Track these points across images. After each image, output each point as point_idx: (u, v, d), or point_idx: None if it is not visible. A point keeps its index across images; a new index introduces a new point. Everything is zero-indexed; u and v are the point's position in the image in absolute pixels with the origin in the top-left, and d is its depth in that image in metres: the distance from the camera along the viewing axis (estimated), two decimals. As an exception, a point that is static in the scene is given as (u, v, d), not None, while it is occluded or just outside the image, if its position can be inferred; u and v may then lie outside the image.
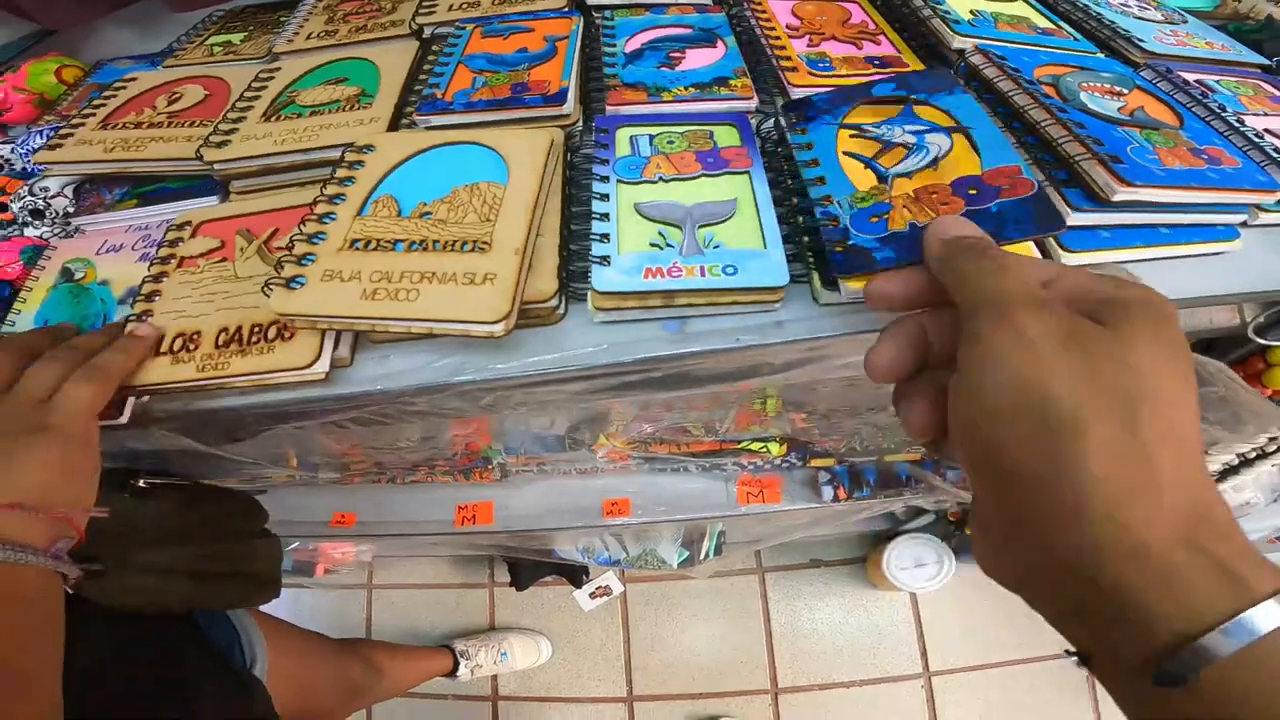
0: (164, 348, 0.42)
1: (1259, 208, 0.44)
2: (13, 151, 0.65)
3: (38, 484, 0.35)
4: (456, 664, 1.48)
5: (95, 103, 0.59)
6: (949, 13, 0.57)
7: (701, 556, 1.33)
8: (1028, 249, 0.40)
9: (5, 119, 0.73)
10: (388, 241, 0.41)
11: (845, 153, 0.47)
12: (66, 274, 0.51)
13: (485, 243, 0.40)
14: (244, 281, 0.45)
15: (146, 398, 0.42)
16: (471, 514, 1.04)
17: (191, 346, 0.42)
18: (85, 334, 0.45)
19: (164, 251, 0.47)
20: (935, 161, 0.44)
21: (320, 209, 0.43)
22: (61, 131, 0.56)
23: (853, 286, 0.39)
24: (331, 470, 0.84)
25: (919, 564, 1.37)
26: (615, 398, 0.48)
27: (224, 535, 0.55)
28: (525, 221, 0.42)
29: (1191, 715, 0.22)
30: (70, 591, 0.40)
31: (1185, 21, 0.63)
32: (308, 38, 0.65)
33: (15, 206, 0.57)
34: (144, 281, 0.46)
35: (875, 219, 0.42)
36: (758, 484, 1.07)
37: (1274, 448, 0.62)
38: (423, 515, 1.04)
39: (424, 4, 0.65)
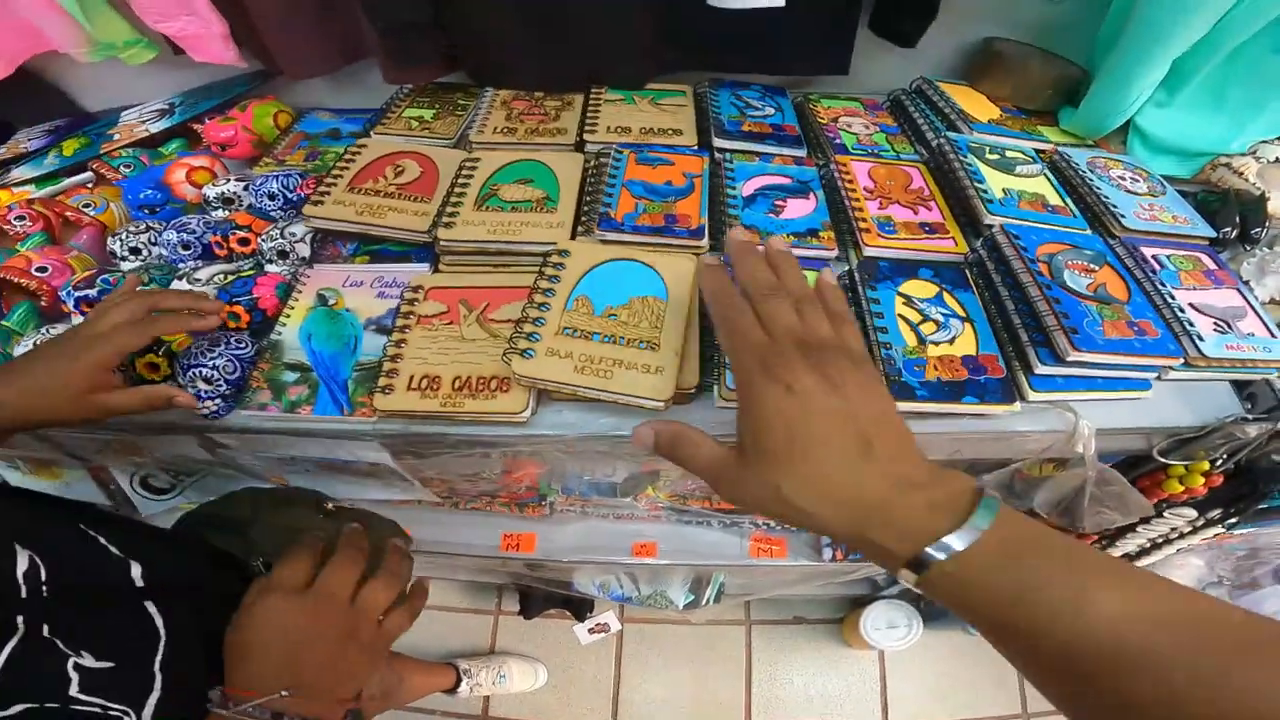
0: (413, 385, 0.62)
1: (1168, 368, 0.66)
2: (246, 189, 0.84)
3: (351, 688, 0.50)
4: (458, 681, 1.65)
5: (340, 165, 0.79)
6: (986, 191, 0.78)
7: (704, 601, 1.51)
8: (990, 407, 0.62)
9: (228, 154, 0.94)
10: (588, 333, 0.61)
11: (900, 315, 0.67)
12: (322, 299, 0.70)
13: (655, 344, 0.61)
14: (469, 342, 0.65)
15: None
16: (516, 542, 1.22)
17: (434, 388, 0.62)
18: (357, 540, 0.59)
19: (405, 309, 0.67)
20: (953, 339, 0.67)
21: (538, 299, 0.63)
22: (320, 190, 0.76)
23: (903, 404, 0.61)
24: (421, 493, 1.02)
25: (891, 626, 1.57)
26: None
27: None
28: (681, 330, 0.62)
29: (945, 590, 0.36)
30: None
31: (1164, 193, 0.84)
32: (494, 131, 0.86)
33: (266, 246, 0.76)
34: (394, 329, 0.66)
35: (918, 368, 0.63)
36: (768, 541, 1.26)
37: (1175, 534, 0.84)
38: (472, 539, 1.21)
39: (587, 124, 0.86)
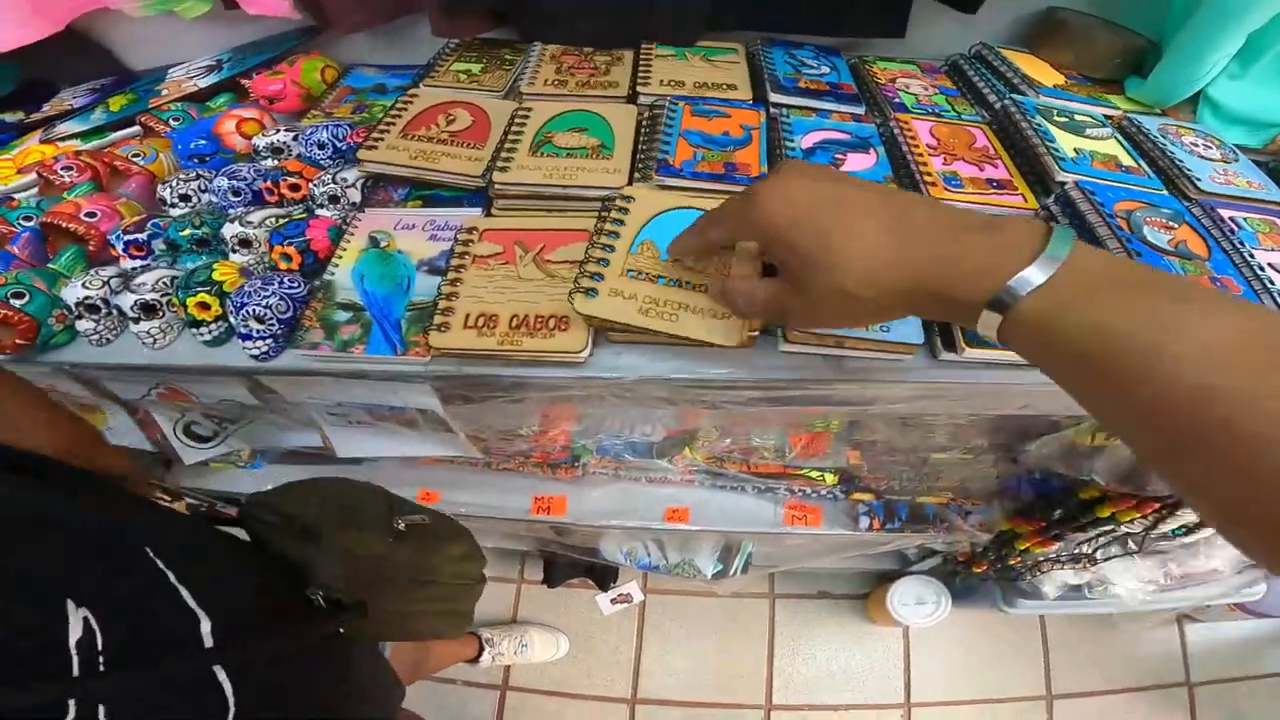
0: (470, 323, 0.58)
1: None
2: (295, 139, 0.81)
3: None
4: (481, 650, 1.61)
5: (392, 114, 0.76)
6: (1058, 150, 0.73)
7: (732, 571, 1.47)
8: None
9: (275, 107, 0.90)
10: (653, 275, 0.56)
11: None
12: (374, 241, 0.67)
13: None
14: (526, 282, 0.61)
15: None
16: (547, 505, 1.17)
17: (491, 326, 0.58)
18: None
19: (460, 249, 0.63)
20: None
21: (603, 239, 0.59)
22: (374, 135, 0.72)
23: (977, 352, 0.56)
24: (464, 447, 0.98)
25: (919, 601, 1.51)
26: (772, 406, 0.63)
27: (455, 577, 0.62)
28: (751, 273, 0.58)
29: (1029, 335, 0.34)
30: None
31: (1237, 160, 0.79)
32: (545, 83, 0.82)
33: (317, 191, 0.73)
34: (448, 269, 0.62)
35: None
36: (803, 509, 1.21)
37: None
38: (503, 502, 1.17)
39: (639, 77, 0.81)
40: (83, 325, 0.66)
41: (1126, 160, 0.75)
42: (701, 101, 0.78)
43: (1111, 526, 0.84)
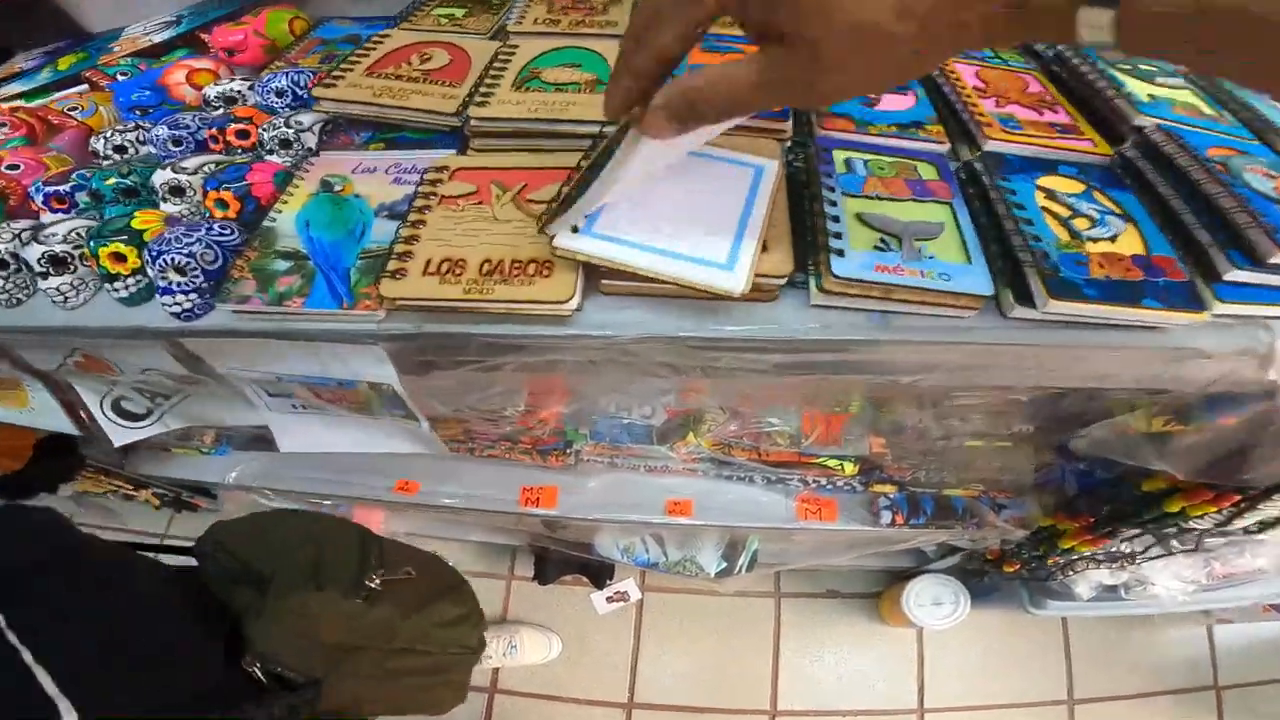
0: (430, 269, 0.45)
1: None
2: (251, 89, 0.68)
3: None
4: None
5: (358, 53, 0.63)
6: (1132, 94, 0.60)
7: (737, 569, 1.33)
8: (1177, 314, 0.44)
9: (236, 60, 0.77)
10: None
11: (1043, 208, 0.50)
12: (326, 185, 0.54)
13: None
14: (503, 224, 0.47)
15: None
16: (536, 496, 1.04)
17: (457, 271, 0.44)
18: None
19: (425, 189, 0.50)
20: (1114, 237, 0.49)
21: (587, 175, 0.45)
22: (334, 74, 0.59)
23: (1064, 305, 0.43)
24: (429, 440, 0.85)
25: (936, 602, 1.37)
26: (797, 374, 0.50)
27: (446, 645, 0.51)
28: (763, 216, 0.45)
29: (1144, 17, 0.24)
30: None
31: None
32: (534, 22, 0.69)
33: (267, 135, 0.60)
34: (410, 210, 0.49)
35: (1079, 264, 0.45)
36: (817, 502, 1.07)
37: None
38: (487, 492, 1.03)
39: (641, 13, 0.69)
40: (-18, 284, 0.53)
41: (1208, 109, 0.62)
42: (714, 38, 0.65)
43: (1179, 523, 0.71)
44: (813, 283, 0.46)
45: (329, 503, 1.08)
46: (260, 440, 1.01)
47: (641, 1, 0.33)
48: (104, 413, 0.65)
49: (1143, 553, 0.86)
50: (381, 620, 0.46)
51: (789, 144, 0.56)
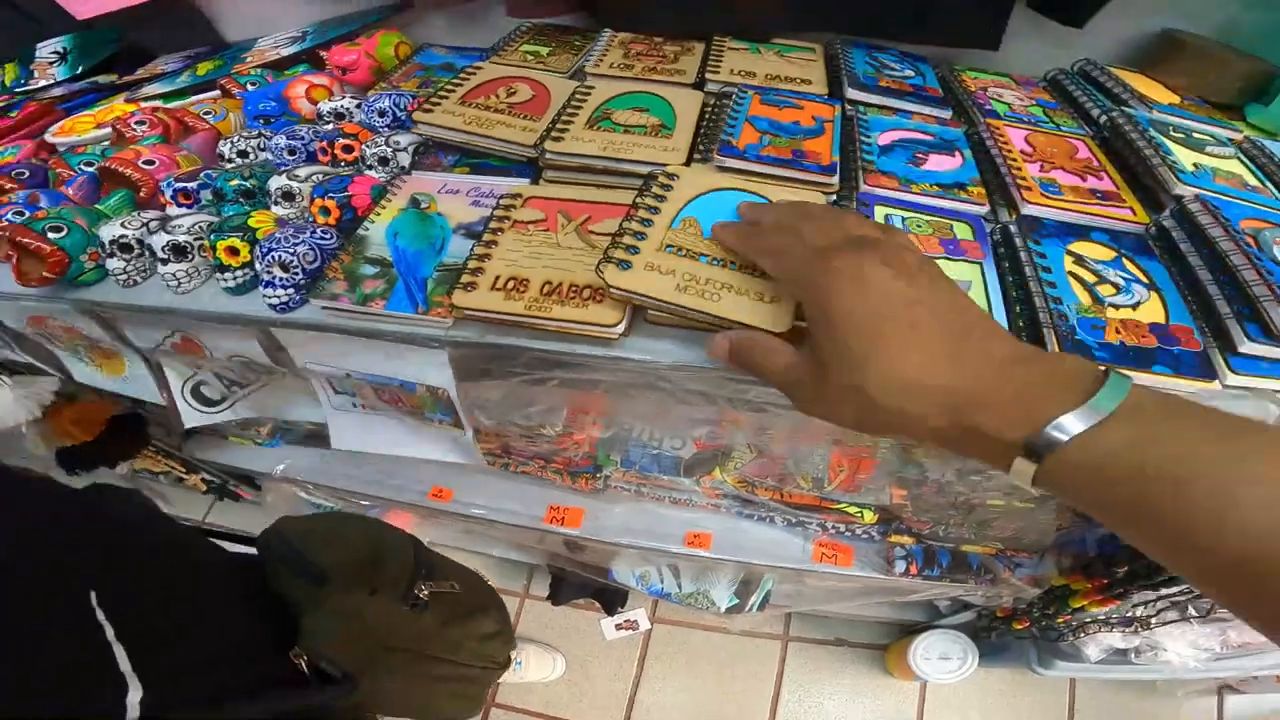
0: (498, 285, 0.51)
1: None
2: (359, 107, 0.77)
3: None
4: None
5: (454, 81, 0.71)
6: (1176, 163, 0.62)
7: (748, 607, 1.34)
8: (1186, 382, 0.47)
9: (347, 78, 0.87)
10: (695, 253, 0.49)
11: (1070, 272, 0.53)
12: (415, 202, 0.61)
13: None
14: (565, 250, 0.54)
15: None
16: (561, 515, 1.08)
17: (521, 289, 0.51)
18: None
19: (500, 213, 0.57)
20: (1136, 305, 0.52)
21: (642, 213, 0.51)
22: (432, 100, 0.67)
23: None
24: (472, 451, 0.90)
25: (944, 657, 1.36)
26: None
27: (477, 658, 0.53)
28: None
29: (1069, 480, 0.29)
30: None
31: None
32: (610, 66, 0.76)
33: (368, 152, 0.68)
34: (485, 231, 0.55)
35: (1095, 328, 0.49)
36: (834, 547, 1.09)
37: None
38: (515, 506, 1.08)
39: (709, 65, 0.75)
40: (113, 264, 0.62)
41: (1252, 180, 0.64)
42: (773, 92, 0.70)
43: (1188, 587, 0.71)
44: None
45: (365, 502, 1.15)
46: (311, 437, 1.10)
47: (778, 243, 0.42)
48: (184, 395, 0.74)
49: (1156, 616, 0.85)
50: (424, 628, 0.49)
51: (834, 197, 0.60)
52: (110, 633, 0.33)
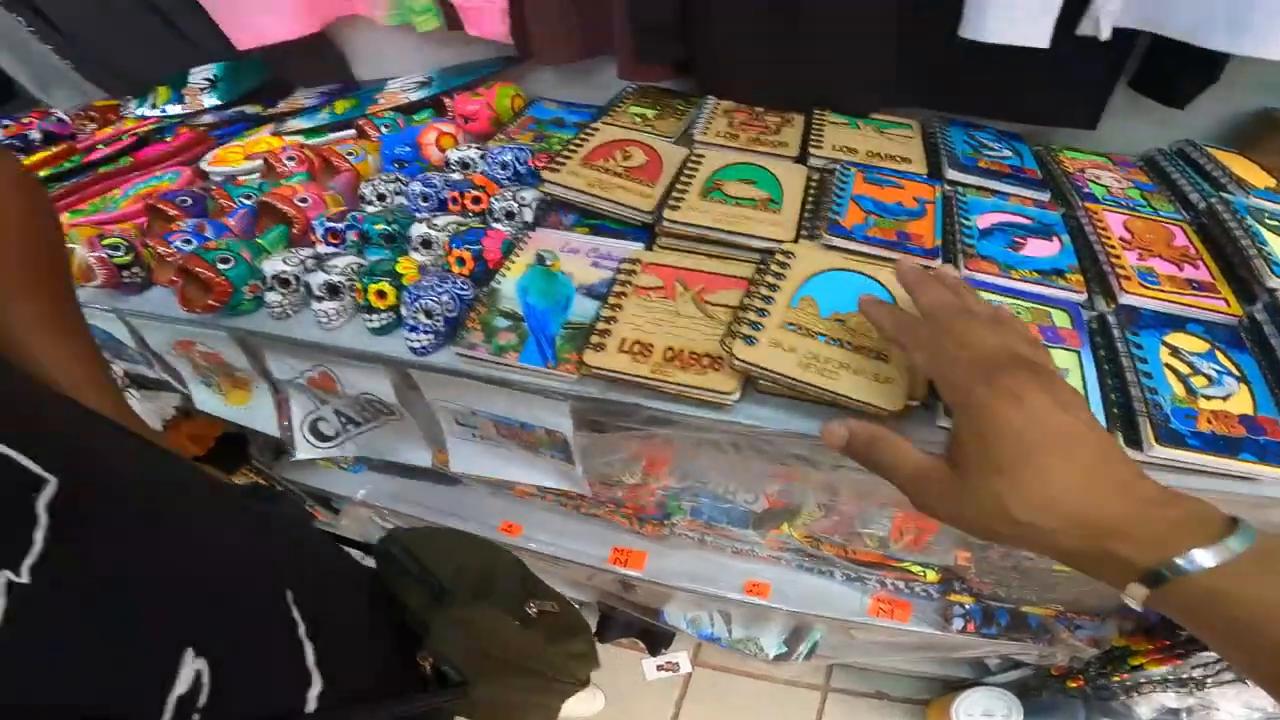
0: (625, 348, 0.57)
1: None
2: (483, 157, 0.84)
3: None
4: None
5: (575, 142, 0.77)
6: (1271, 254, 0.64)
7: (795, 656, 1.36)
8: (1270, 469, 0.50)
9: (469, 126, 0.95)
10: (813, 332, 0.54)
11: (1166, 364, 0.55)
12: (540, 259, 0.67)
13: (884, 355, 0.53)
14: (684, 318, 0.59)
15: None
16: (625, 558, 1.12)
17: (645, 353, 0.56)
18: None
19: (622, 277, 0.63)
20: (1227, 397, 0.54)
21: (763, 290, 0.56)
22: (557, 159, 0.74)
23: (1167, 451, 0.50)
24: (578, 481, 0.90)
25: (986, 714, 1.35)
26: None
27: (563, 674, 0.55)
28: None
29: (1187, 602, 0.32)
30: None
31: None
32: (717, 134, 0.81)
33: (496, 205, 0.75)
34: (609, 294, 0.61)
35: (1188, 417, 0.52)
36: (891, 602, 1.10)
37: None
38: (580, 546, 1.12)
39: (811, 140, 0.80)
40: (271, 297, 0.70)
41: (1348, 273, 0.65)
42: (875, 170, 0.74)
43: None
44: (941, 406, 0.54)
45: None
46: (391, 465, 1.15)
47: (932, 346, 0.42)
48: (302, 428, 0.81)
49: (1213, 677, 0.85)
50: (531, 643, 0.52)
51: (934, 278, 0.64)
52: (302, 630, 0.37)
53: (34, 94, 1.34)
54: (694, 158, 0.75)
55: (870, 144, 0.80)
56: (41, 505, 0.26)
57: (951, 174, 0.76)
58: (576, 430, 0.65)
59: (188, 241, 0.76)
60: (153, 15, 1.07)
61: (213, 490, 0.41)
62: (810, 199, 0.70)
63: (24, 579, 0.23)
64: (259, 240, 0.76)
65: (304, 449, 0.83)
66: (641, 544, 1.12)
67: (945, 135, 0.83)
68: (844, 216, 0.66)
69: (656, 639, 1.61)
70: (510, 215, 0.74)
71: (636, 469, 0.90)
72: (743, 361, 0.52)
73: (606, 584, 1.30)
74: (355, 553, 0.54)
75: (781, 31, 0.80)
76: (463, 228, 0.71)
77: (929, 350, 0.42)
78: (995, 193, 0.75)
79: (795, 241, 0.65)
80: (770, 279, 0.57)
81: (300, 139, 1.01)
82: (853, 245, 0.63)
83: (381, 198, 0.81)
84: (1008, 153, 0.81)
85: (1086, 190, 0.76)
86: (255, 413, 0.86)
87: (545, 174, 0.72)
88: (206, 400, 0.88)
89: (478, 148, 0.86)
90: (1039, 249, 0.68)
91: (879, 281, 0.59)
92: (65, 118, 1.20)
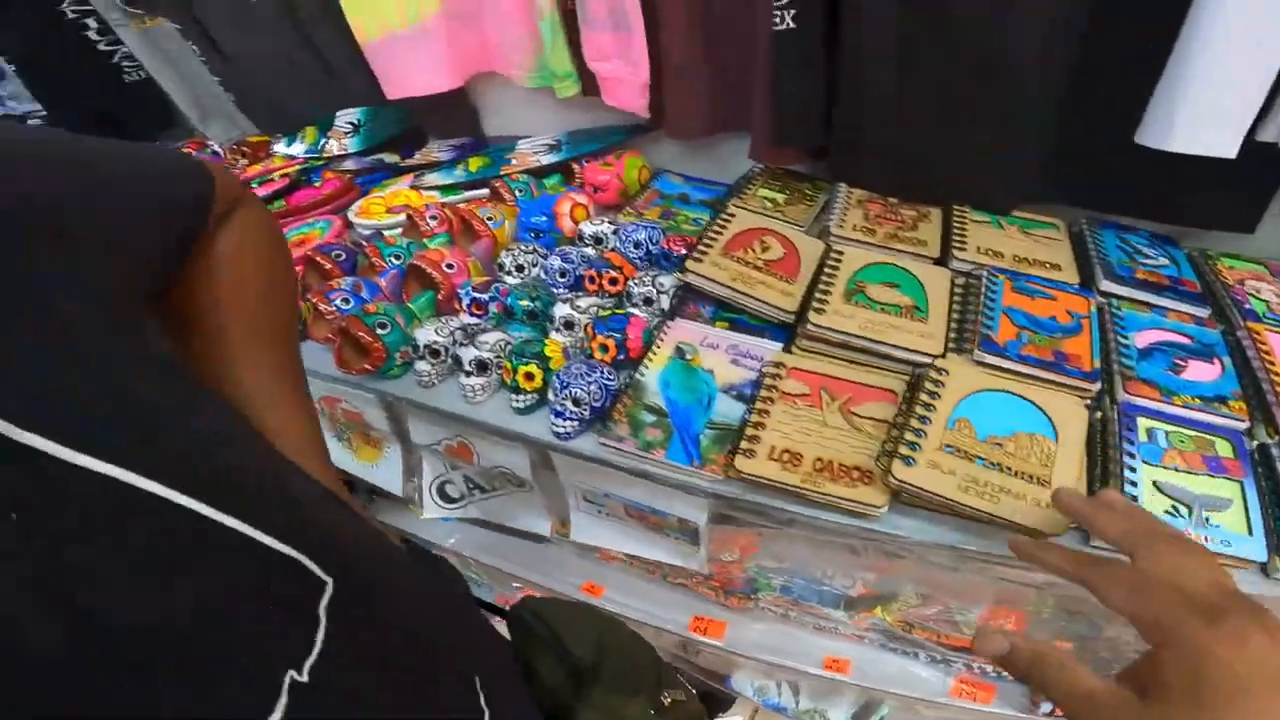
0: (774, 455, 0.60)
1: None
2: (615, 234, 0.90)
3: None
4: None
5: (714, 231, 0.82)
6: None
7: None
8: None
9: (599, 197, 1.02)
10: (971, 455, 0.56)
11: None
12: (680, 352, 0.72)
13: (1045, 481, 0.56)
14: (831, 429, 0.62)
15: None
16: (705, 626, 1.13)
17: (795, 463, 0.60)
18: None
19: (768, 381, 0.66)
20: None
21: (919, 410, 0.59)
22: (698, 249, 0.79)
23: None
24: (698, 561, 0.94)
25: None
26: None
27: None
28: (1073, 473, 0.57)
29: None
30: None
31: None
32: (853, 228, 0.85)
33: (635, 290, 0.80)
34: (756, 399, 0.65)
35: None
36: (975, 685, 1.09)
37: None
38: (662, 612, 1.14)
39: (954, 240, 0.82)
40: (421, 366, 0.77)
41: None
42: (1024, 278, 0.76)
43: None
44: None
45: (516, 584, 1.27)
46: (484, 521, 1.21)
47: (1124, 579, 0.42)
48: (431, 490, 0.88)
49: None
50: None
51: (1091, 402, 0.65)
52: (478, 680, 0.40)
53: (192, 123, 1.50)
54: (833, 255, 0.79)
55: (1016, 247, 0.82)
56: (322, 608, 0.31)
57: (1106, 285, 0.77)
58: (712, 523, 0.69)
59: (346, 301, 0.84)
60: (316, 59, 1.19)
61: (411, 565, 0.46)
62: (956, 307, 0.73)
63: (304, 678, 0.27)
64: (410, 306, 0.84)
65: (431, 509, 0.90)
66: (723, 614, 1.14)
67: (1097, 239, 0.84)
68: (996, 332, 0.68)
69: (716, 702, 1.61)
70: (648, 301, 0.79)
71: (737, 550, 0.93)
72: (901, 482, 0.55)
73: (671, 644, 1.33)
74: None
75: (931, 122, 0.82)
76: (604, 312, 0.77)
77: (1128, 588, 0.42)
78: (1153, 307, 0.75)
79: (944, 355, 0.67)
80: (925, 398, 0.60)
81: (437, 194, 1.10)
82: (1008, 364, 0.65)
83: (520, 269, 0.88)
84: (1164, 260, 0.81)
85: (1248, 307, 0.75)
86: (381, 471, 0.93)
87: (689, 264, 0.76)
88: (336, 455, 0.97)
89: (610, 222, 0.92)
90: (1201, 372, 0.68)
91: (1034, 403, 0.61)
92: (220, 150, 1.35)
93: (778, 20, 0.79)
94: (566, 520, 0.84)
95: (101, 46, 1.38)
